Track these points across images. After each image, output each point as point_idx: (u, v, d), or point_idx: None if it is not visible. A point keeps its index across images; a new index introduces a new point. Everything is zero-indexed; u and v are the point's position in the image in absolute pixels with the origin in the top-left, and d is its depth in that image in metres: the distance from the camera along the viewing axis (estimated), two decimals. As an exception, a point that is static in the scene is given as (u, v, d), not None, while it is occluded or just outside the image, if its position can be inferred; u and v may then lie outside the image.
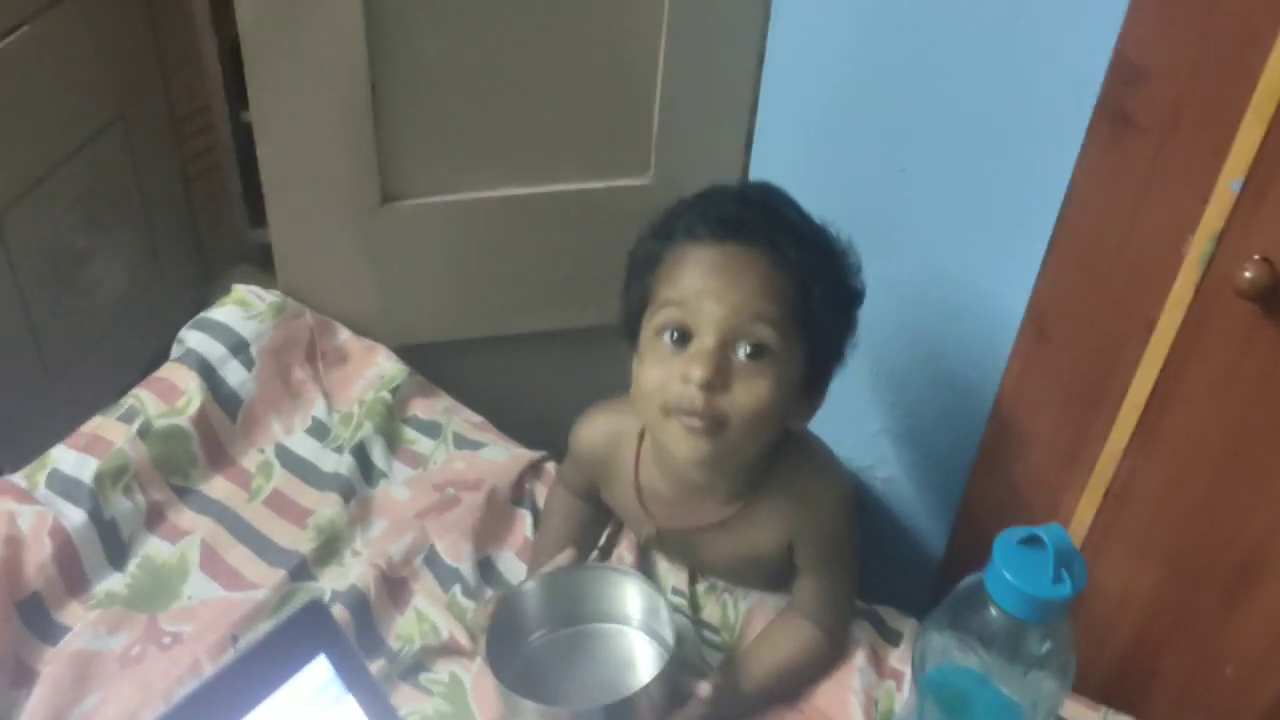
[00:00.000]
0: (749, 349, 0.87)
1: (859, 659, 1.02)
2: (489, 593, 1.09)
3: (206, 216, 1.88)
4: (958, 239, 1.09)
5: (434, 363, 1.34)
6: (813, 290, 0.90)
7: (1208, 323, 0.89)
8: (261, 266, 1.75)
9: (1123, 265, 0.92)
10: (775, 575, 1.04)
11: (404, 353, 1.33)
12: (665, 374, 0.88)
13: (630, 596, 1.02)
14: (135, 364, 1.47)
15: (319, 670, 0.69)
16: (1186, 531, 0.99)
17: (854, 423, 1.28)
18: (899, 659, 1.04)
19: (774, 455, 0.97)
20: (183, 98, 1.76)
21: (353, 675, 0.70)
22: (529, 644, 1.02)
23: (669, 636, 0.94)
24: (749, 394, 0.87)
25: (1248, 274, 0.83)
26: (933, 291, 1.14)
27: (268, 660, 0.67)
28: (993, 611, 0.79)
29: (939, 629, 0.85)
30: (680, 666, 0.94)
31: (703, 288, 0.87)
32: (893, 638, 1.07)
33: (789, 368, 0.89)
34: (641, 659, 1.00)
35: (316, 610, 0.69)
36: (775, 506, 0.98)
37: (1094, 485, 1.01)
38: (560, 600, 1.02)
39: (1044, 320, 0.99)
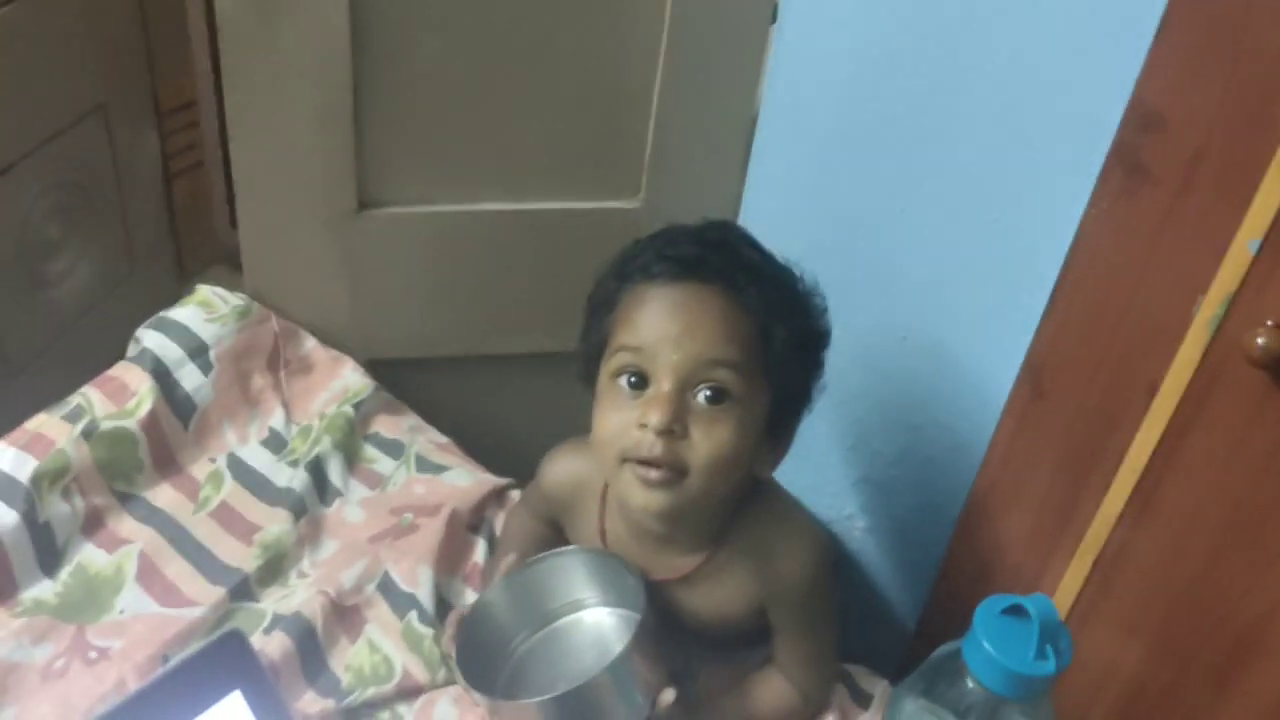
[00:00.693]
0: (709, 393, 0.83)
1: (825, 723, 0.97)
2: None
3: (186, 214, 1.84)
4: (956, 284, 1.04)
5: (403, 379, 1.29)
6: (775, 331, 0.85)
7: (1215, 389, 0.84)
8: (240, 269, 1.71)
9: (1128, 323, 0.87)
10: (748, 635, 0.98)
11: (373, 367, 1.27)
12: (623, 420, 0.84)
13: (590, 575, 0.97)
14: (101, 362, 1.41)
15: (233, 707, 0.63)
16: (1179, 607, 0.93)
17: (836, 469, 1.23)
18: (866, 722, 0.99)
19: (739, 507, 0.92)
20: (169, 91, 1.72)
21: (270, 715, 0.64)
22: (510, 654, 0.97)
23: (637, 604, 0.89)
24: (709, 440, 0.83)
25: (1260, 340, 0.78)
26: (927, 336, 1.09)
27: (177, 693, 0.62)
28: (969, 684, 0.74)
29: (912, 697, 0.80)
30: (648, 633, 0.88)
31: (660, 330, 0.83)
32: (863, 699, 1.01)
33: (751, 412, 0.85)
34: (616, 636, 0.96)
35: (234, 641, 0.63)
36: (742, 563, 0.93)
37: (1084, 552, 0.96)
38: (526, 602, 0.98)
39: (1041, 375, 0.94)
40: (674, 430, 0.82)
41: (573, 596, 0.99)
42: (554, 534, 1.05)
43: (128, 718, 0.59)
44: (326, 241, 1.23)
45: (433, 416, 1.26)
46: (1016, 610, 0.73)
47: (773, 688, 0.96)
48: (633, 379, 0.84)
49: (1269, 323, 0.79)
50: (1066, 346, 0.92)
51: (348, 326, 1.28)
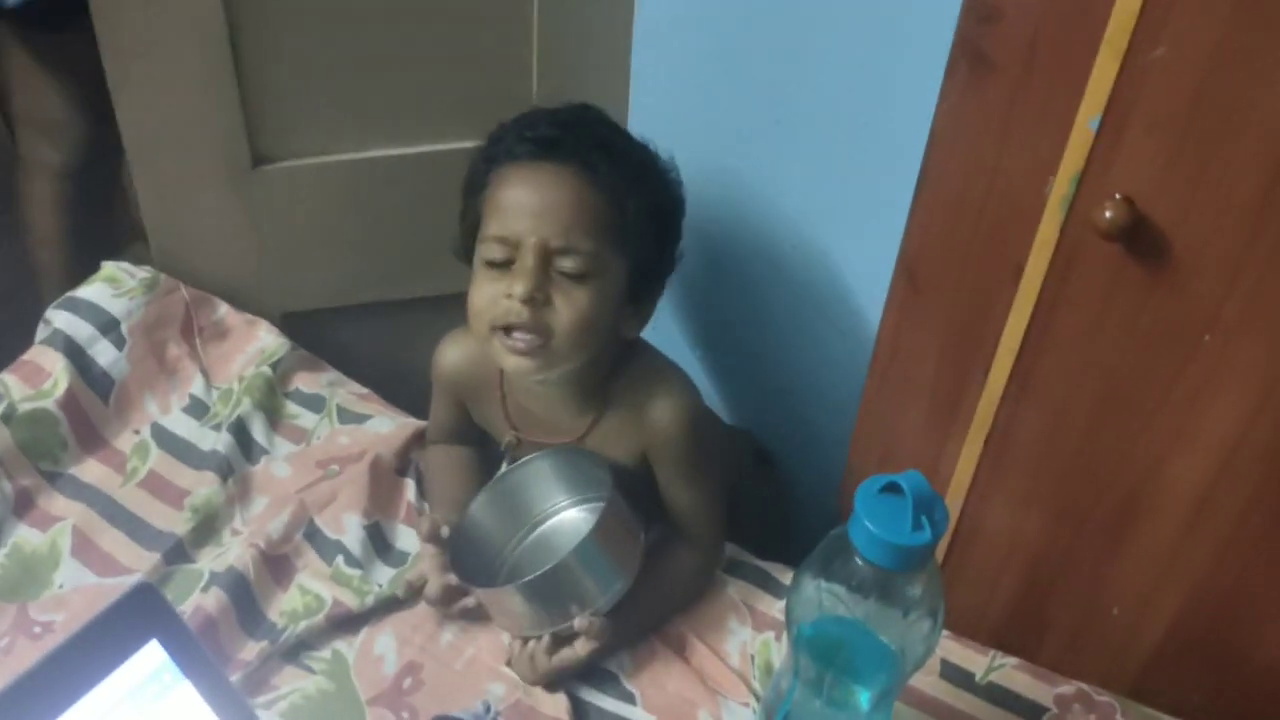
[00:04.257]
0: (568, 264, 0.92)
1: (731, 620, 1.03)
2: (377, 562, 1.08)
3: (97, 194, 1.81)
4: (834, 188, 1.08)
5: (319, 330, 1.31)
6: (627, 205, 0.94)
7: (1074, 266, 0.88)
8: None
9: (989, 210, 0.91)
10: (638, 496, 1.03)
11: (287, 320, 1.29)
12: (493, 292, 0.93)
13: (560, 475, 1.06)
14: (25, 350, 1.42)
15: (151, 656, 0.67)
16: (1067, 476, 0.98)
17: (745, 381, 1.27)
18: (782, 610, 1.04)
19: (616, 367, 1.01)
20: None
21: (189, 660, 0.68)
22: (505, 559, 1.07)
23: (602, 488, 0.98)
24: (570, 307, 0.92)
25: (1108, 214, 0.82)
26: (814, 242, 1.13)
27: (92, 648, 0.65)
28: (858, 561, 0.78)
29: (810, 577, 0.84)
30: (615, 516, 0.97)
31: (521, 208, 0.92)
32: (778, 590, 1.07)
33: (609, 280, 0.95)
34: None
35: (146, 593, 0.66)
36: (623, 419, 1.01)
37: (975, 433, 1.01)
38: (508, 511, 1.07)
39: (915, 269, 0.98)
40: (536, 299, 0.92)
41: (550, 500, 1.08)
42: (473, 447, 1.12)
43: (44, 677, 0.62)
44: (226, 202, 1.24)
45: (351, 364, 1.28)
46: (893, 488, 0.77)
47: (676, 556, 1.03)
48: (500, 256, 0.93)
49: (1116, 196, 0.83)
50: (935, 238, 0.95)
51: (258, 283, 1.29)
